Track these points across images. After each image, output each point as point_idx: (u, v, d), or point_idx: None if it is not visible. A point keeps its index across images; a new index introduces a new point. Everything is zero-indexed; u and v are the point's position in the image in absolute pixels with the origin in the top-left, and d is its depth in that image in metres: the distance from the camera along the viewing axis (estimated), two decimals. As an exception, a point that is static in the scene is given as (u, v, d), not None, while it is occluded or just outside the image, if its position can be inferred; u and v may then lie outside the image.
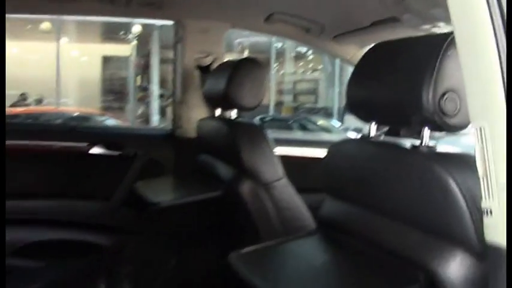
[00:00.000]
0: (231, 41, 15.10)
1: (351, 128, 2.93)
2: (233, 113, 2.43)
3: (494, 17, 0.86)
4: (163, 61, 16.79)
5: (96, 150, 2.88)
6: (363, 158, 1.46)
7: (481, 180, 0.91)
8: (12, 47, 15.92)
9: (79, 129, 3.04)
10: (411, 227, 1.24)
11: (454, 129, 1.20)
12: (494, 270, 0.95)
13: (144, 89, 18.03)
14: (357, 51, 2.93)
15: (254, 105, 2.36)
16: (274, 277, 1.39)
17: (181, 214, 2.82)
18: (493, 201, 0.89)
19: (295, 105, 20.25)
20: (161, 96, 17.50)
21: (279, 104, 19.52)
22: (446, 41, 1.15)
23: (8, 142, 2.73)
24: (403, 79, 1.27)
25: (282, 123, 13.66)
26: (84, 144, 2.88)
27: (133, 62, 17.78)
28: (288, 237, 1.81)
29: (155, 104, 17.22)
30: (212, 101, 2.60)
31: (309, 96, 20.74)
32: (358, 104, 1.47)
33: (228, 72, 2.32)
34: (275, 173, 2.20)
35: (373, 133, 1.45)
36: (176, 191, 2.73)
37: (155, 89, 17.22)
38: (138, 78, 18.15)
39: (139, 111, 17.87)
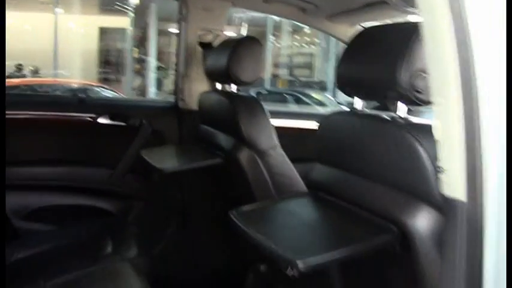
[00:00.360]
0: (230, 15, 15.14)
1: (345, 102, 3.10)
2: (233, 87, 2.62)
3: (452, 10, 1.05)
4: (160, 33, 16.89)
5: (103, 120, 3.04)
6: (348, 128, 1.66)
7: (437, 144, 1.11)
8: (7, 17, 15.92)
9: (88, 100, 3.19)
10: (387, 187, 1.45)
11: (424, 103, 1.40)
12: (447, 219, 1.15)
13: (141, 61, 18.10)
14: (349, 29, 3.09)
15: (252, 80, 2.55)
16: (268, 229, 1.60)
17: (184, 181, 3.02)
18: (445, 160, 1.09)
19: (290, 78, 20.35)
20: (158, 68, 17.59)
21: (274, 77, 19.61)
22: (417, 29, 1.34)
23: (21, 112, 2.93)
24: (382, 60, 1.46)
25: (277, 97, 13.77)
26: (93, 115, 3.04)
27: (132, 35, 17.82)
28: (281, 197, 2.03)
29: (152, 76, 17.30)
30: (214, 76, 2.77)
31: (304, 70, 20.83)
32: (345, 81, 1.67)
33: (230, 49, 2.49)
34: (271, 142, 2.40)
35: (358, 107, 1.66)
36: (179, 158, 2.88)
37: (152, 61, 17.29)
38: (136, 50, 18.22)
39: (136, 83, 17.96)
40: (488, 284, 1.08)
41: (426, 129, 1.31)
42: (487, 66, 1.03)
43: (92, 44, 18.50)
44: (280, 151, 2.41)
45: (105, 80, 17.71)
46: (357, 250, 1.42)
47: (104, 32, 18.97)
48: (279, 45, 20.59)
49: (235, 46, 2.50)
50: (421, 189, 1.33)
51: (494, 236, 1.06)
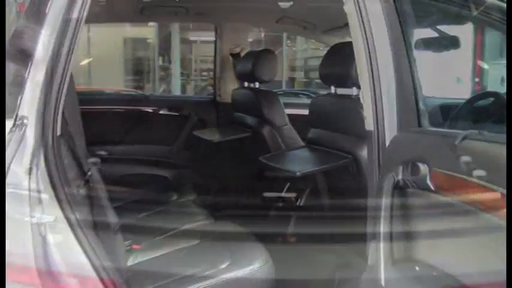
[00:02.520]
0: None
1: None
2: (257, 84, 3.73)
3: (363, 33, 2.13)
4: (182, 42, 17.79)
5: (163, 111, 4.23)
6: (327, 103, 2.84)
7: (364, 106, 2.22)
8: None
9: (151, 98, 4.38)
10: (347, 135, 2.59)
11: None
12: (367, 143, 2.20)
13: (165, 69, 19.01)
14: (339, 40, 4.16)
15: (270, 79, 3.69)
16: (284, 161, 2.83)
17: (222, 152, 4.14)
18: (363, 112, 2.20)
19: (306, 80, 21.13)
20: (181, 75, 18.56)
21: (291, 80, 20.32)
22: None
23: (109, 107, 4.06)
24: (343, 64, 2.58)
25: (292, 95, 14.64)
26: (155, 107, 4.23)
27: (154, 43, 18.63)
28: (291, 149, 3.20)
29: (176, 83, 18.24)
30: (243, 77, 3.91)
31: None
32: (324, 76, 2.81)
33: (253, 58, 3.63)
34: (283, 121, 3.53)
35: (332, 91, 2.78)
36: (222, 133, 3.96)
37: (176, 68, 18.23)
38: (160, 59, 19.09)
39: (161, 89, 18.85)
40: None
41: None
42: (382, 65, 2.11)
43: (117, 53, 19.22)
44: (290, 127, 3.54)
45: (131, 87, 18.47)
46: (331, 167, 2.60)
47: (128, 41, 19.76)
48: (295, 49, 21.30)
49: (258, 56, 3.64)
50: (363, 133, 2.40)
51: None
